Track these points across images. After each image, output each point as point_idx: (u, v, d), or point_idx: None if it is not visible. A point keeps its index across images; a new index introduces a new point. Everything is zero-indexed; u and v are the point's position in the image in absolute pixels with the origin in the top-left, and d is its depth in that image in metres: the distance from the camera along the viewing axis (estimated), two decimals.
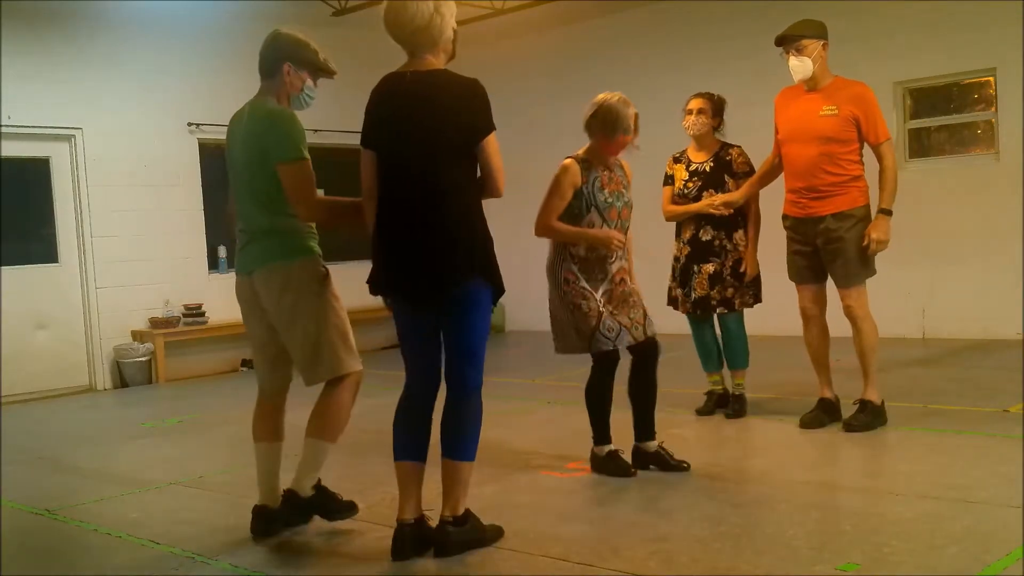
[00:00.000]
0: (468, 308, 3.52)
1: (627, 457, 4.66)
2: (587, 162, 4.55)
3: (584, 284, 4.50)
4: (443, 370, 3.63)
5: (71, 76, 8.94)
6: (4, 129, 8.51)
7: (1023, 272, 8.20)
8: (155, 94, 9.48)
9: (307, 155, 3.76)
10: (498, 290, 3.59)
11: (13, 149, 8.62)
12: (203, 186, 9.91)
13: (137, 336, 9.30)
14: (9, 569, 3.79)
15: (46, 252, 8.94)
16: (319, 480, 3.91)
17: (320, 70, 3.92)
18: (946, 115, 8.96)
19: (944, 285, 8.72)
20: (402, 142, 3.50)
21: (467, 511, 3.61)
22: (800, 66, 5.15)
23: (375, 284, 3.60)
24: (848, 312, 5.22)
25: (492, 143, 3.51)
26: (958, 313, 8.62)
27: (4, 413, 7.81)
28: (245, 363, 10.00)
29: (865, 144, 5.20)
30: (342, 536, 3.93)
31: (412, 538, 3.57)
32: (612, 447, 4.66)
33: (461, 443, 3.56)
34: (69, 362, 9.00)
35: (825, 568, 3.20)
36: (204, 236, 9.89)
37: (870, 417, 5.19)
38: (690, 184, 5.71)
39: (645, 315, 4.59)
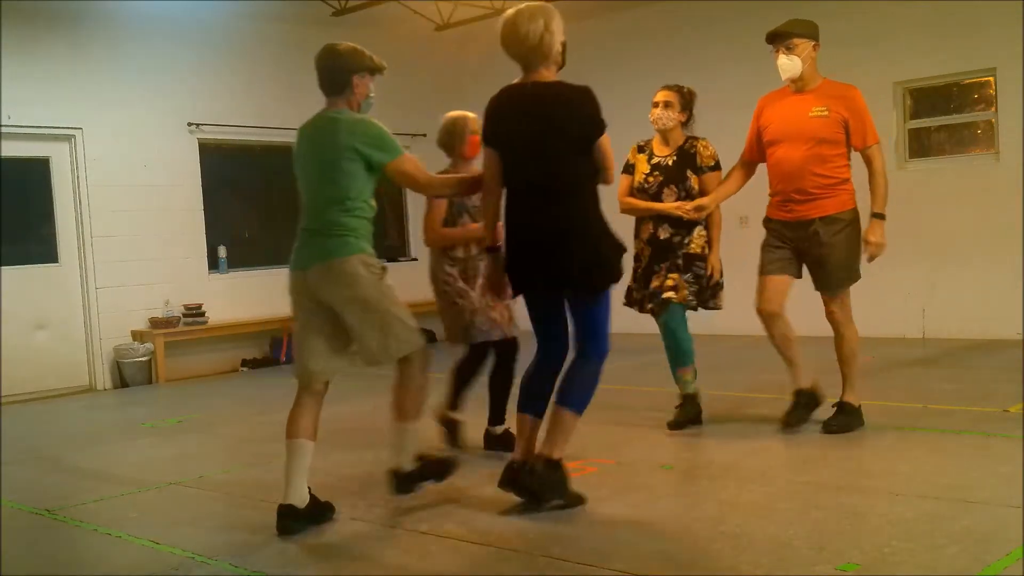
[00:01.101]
0: (590, 296, 4.03)
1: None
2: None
3: (461, 284, 5.06)
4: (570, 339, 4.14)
5: (71, 76, 8.95)
6: (4, 129, 8.51)
7: (1023, 272, 8.20)
8: (155, 94, 9.48)
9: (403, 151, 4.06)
10: (617, 273, 4.04)
11: (13, 149, 8.63)
12: (203, 186, 9.91)
13: (137, 336, 9.30)
14: (9, 569, 3.79)
15: (46, 252, 8.94)
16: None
17: (377, 70, 4.15)
18: (946, 115, 8.96)
19: (944, 285, 8.72)
20: (525, 145, 3.98)
21: (560, 461, 4.01)
22: (789, 64, 5.03)
23: (513, 287, 4.15)
24: (831, 318, 5.16)
25: (605, 140, 4.02)
26: (958, 313, 8.62)
27: (4, 413, 7.81)
28: (245, 363, 10.00)
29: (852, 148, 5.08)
30: (342, 536, 3.94)
31: (517, 473, 4.01)
32: (461, 417, 5.23)
33: (572, 395, 4.04)
34: (69, 362, 9.01)
35: (825, 568, 3.20)
36: (204, 236, 9.89)
37: (849, 418, 5.15)
38: (651, 179, 5.42)
39: (511, 313, 5.09)
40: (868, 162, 5.05)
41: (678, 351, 5.40)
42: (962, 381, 6.63)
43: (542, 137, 3.95)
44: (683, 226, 5.36)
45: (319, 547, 3.82)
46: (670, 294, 5.30)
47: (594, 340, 4.07)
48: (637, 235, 5.52)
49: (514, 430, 4.59)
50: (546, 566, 3.42)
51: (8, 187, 8.63)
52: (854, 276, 5.14)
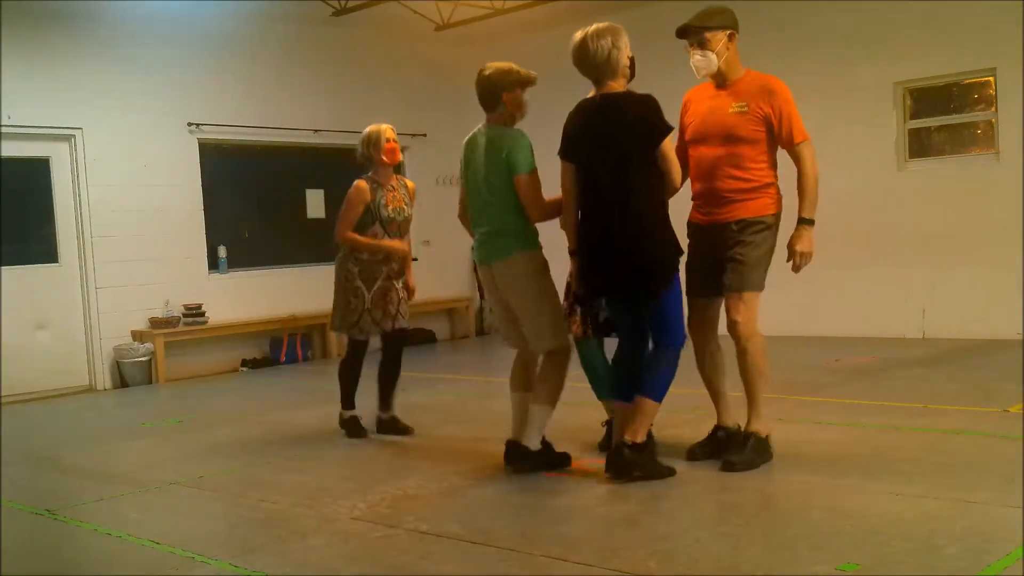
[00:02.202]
0: (660, 298, 4.36)
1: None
2: (376, 183, 5.74)
3: (359, 283, 5.68)
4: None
5: (71, 76, 8.94)
6: (4, 129, 8.51)
7: (1023, 272, 8.20)
8: (155, 94, 9.47)
9: (535, 168, 4.54)
10: (671, 275, 4.35)
11: (13, 149, 8.62)
12: (203, 186, 9.90)
13: (137, 336, 9.30)
14: (9, 569, 3.79)
15: (46, 252, 8.94)
16: (544, 437, 4.68)
17: (528, 83, 4.65)
18: (946, 115, 8.96)
19: (944, 285, 8.72)
20: (598, 154, 4.34)
21: (645, 443, 4.39)
22: (703, 62, 4.58)
23: (587, 291, 4.52)
24: (733, 329, 4.53)
25: (668, 144, 4.31)
26: (958, 313, 8.62)
27: (4, 413, 7.81)
28: (245, 363, 10.00)
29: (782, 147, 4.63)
30: (342, 536, 3.94)
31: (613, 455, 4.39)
32: (355, 412, 5.91)
33: (650, 383, 4.35)
34: (69, 362, 9.01)
35: (825, 568, 3.20)
36: (204, 236, 9.88)
37: (754, 454, 4.55)
38: None
39: (398, 311, 5.77)
40: (796, 161, 4.55)
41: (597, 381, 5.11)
42: (962, 381, 6.63)
43: (611, 146, 4.30)
44: None
45: (319, 547, 3.82)
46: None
47: (666, 332, 4.39)
48: None
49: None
50: (546, 566, 3.42)
51: (8, 187, 8.63)
52: (760, 282, 4.59)
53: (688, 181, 4.75)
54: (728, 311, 4.56)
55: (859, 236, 9.05)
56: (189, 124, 9.74)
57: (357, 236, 5.68)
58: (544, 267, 4.63)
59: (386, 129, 5.76)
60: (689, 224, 4.79)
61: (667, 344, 4.40)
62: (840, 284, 9.10)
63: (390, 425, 5.92)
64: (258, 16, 9.97)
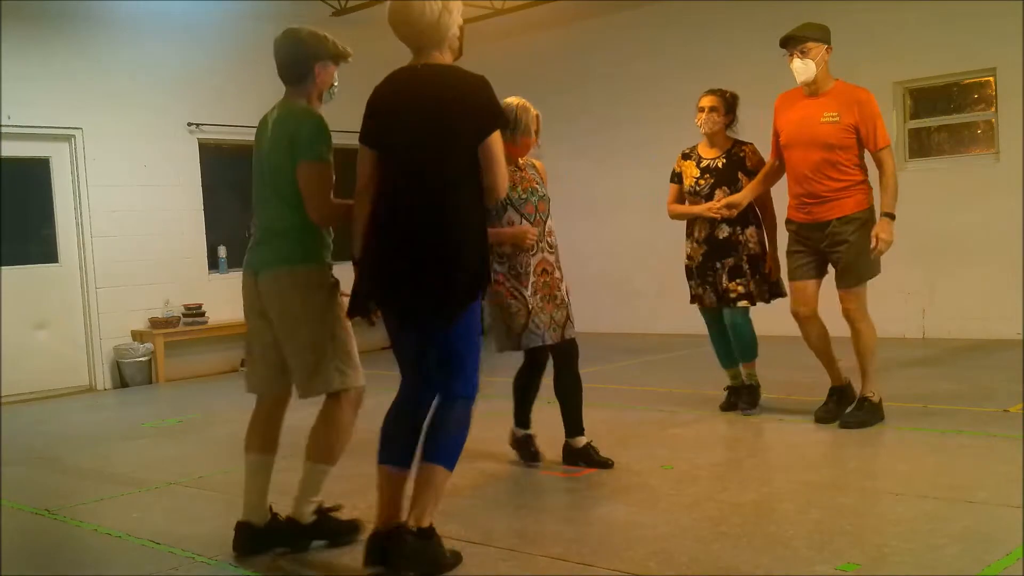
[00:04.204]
0: (457, 325, 3.37)
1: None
2: None
3: (512, 284, 4.59)
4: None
5: (71, 76, 8.94)
6: (4, 129, 8.51)
7: (1023, 272, 8.20)
8: (155, 94, 9.47)
9: (329, 159, 3.63)
10: (469, 298, 3.38)
11: (13, 149, 8.62)
12: (203, 186, 9.90)
13: (137, 336, 9.30)
14: (9, 569, 3.79)
15: (46, 252, 8.93)
16: (320, 504, 3.75)
17: (341, 57, 3.87)
18: (946, 115, 8.96)
19: (944, 285, 8.72)
20: (407, 138, 3.37)
21: (432, 528, 3.38)
22: (804, 68, 5.16)
23: (360, 296, 3.44)
24: (847, 314, 5.23)
25: (495, 142, 3.34)
26: (958, 313, 8.62)
27: (4, 413, 7.81)
28: (245, 363, 9.98)
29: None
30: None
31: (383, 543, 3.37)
32: (530, 432, 4.89)
33: (443, 445, 3.42)
34: (69, 362, 9.01)
35: (825, 568, 3.20)
36: (204, 236, 9.89)
37: (867, 414, 5.23)
38: (702, 181, 5.70)
39: (568, 318, 4.71)
40: (879, 165, 5.16)
41: (745, 348, 5.70)
42: (962, 381, 6.62)
43: (425, 132, 3.35)
44: (739, 223, 5.59)
45: (319, 547, 3.81)
46: (744, 302, 5.58)
47: (459, 376, 3.42)
48: (690, 235, 5.78)
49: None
50: (546, 566, 3.42)
51: (8, 187, 8.63)
52: (871, 271, 5.24)
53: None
54: (841, 301, 5.23)
55: None
56: (189, 124, 9.73)
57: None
58: (328, 287, 3.65)
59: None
60: (790, 222, 5.39)
61: (458, 394, 3.41)
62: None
63: (584, 455, 4.80)
64: (258, 16, 9.96)
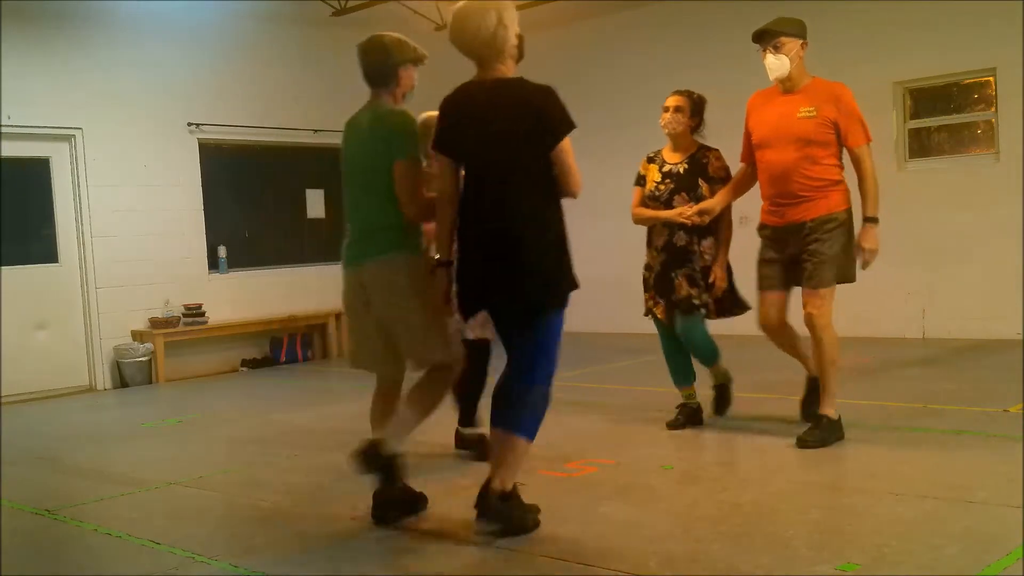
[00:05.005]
0: (538, 317, 3.70)
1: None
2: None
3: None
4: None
5: (71, 76, 8.94)
6: (4, 129, 8.51)
7: (1023, 272, 8.20)
8: (155, 94, 9.48)
9: (420, 158, 3.94)
10: (561, 299, 3.72)
11: (13, 149, 8.62)
12: (203, 186, 9.90)
13: (137, 336, 9.30)
14: (9, 569, 3.79)
15: (46, 252, 8.94)
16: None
17: (420, 60, 4.09)
18: (946, 115, 8.96)
19: (944, 285, 8.72)
20: (480, 149, 3.66)
21: (513, 490, 3.75)
22: (778, 64, 4.89)
23: (463, 308, 3.83)
24: (808, 320, 4.89)
25: (566, 146, 3.64)
26: (958, 313, 8.62)
27: (4, 413, 7.81)
28: (245, 363, 10.00)
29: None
30: (342, 536, 3.94)
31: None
32: (478, 430, 5.03)
33: (525, 418, 3.73)
34: (69, 362, 9.01)
35: (825, 568, 3.20)
36: (204, 236, 9.89)
37: (826, 432, 4.90)
38: (662, 186, 5.37)
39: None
40: (856, 163, 4.88)
41: (703, 353, 5.47)
42: (962, 381, 6.63)
43: (497, 142, 3.63)
44: (697, 231, 5.28)
45: (319, 547, 3.82)
46: (699, 310, 5.31)
47: (542, 363, 3.73)
48: (650, 243, 5.46)
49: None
50: (546, 566, 3.42)
51: (8, 187, 8.63)
52: (843, 275, 4.95)
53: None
54: (804, 304, 4.89)
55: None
56: (189, 124, 9.74)
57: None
58: (427, 272, 3.94)
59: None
60: (763, 227, 5.10)
61: (539, 380, 3.73)
62: (840, 284, 9.08)
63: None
64: (258, 16, 9.97)
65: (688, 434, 5.41)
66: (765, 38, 4.93)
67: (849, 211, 4.94)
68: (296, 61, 10.46)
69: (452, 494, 4.42)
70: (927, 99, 9.03)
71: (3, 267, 8.57)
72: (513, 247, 3.60)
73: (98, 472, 5.47)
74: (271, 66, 10.28)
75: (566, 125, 3.65)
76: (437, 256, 3.85)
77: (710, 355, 5.49)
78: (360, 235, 4.01)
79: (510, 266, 3.61)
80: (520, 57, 3.84)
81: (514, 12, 3.73)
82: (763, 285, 5.09)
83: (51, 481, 5.38)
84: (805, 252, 4.89)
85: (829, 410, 4.99)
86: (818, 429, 4.92)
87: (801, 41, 4.92)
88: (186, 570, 3.63)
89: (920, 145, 9.07)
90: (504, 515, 3.69)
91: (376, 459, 3.87)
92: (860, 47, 8.98)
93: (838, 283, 4.93)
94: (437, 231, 3.82)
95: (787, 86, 4.96)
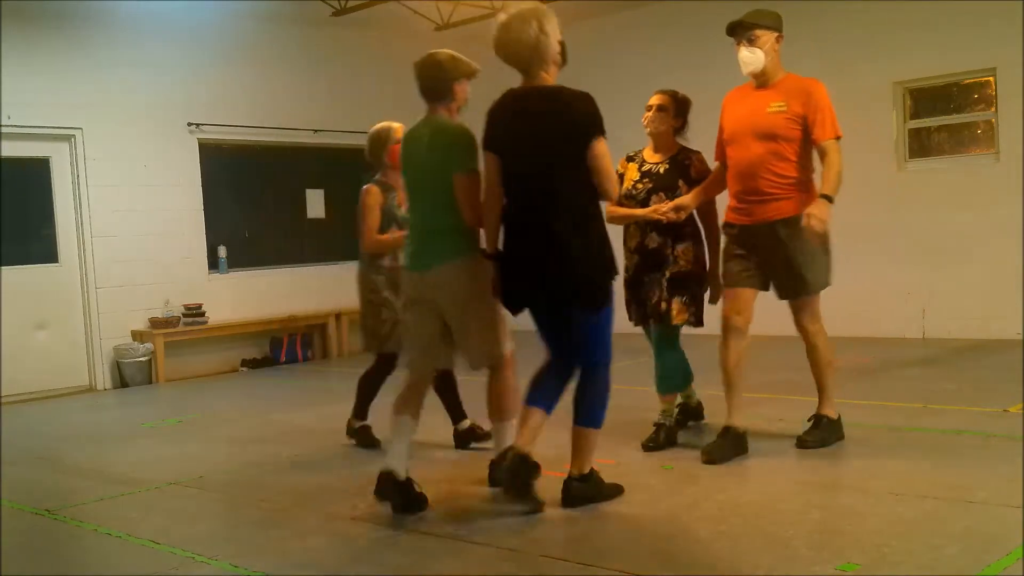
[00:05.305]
0: (585, 313, 3.97)
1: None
2: (385, 185, 5.42)
3: (386, 294, 5.31)
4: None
5: (71, 76, 8.94)
6: (4, 129, 8.51)
7: (1023, 272, 8.20)
8: (155, 94, 9.47)
9: (478, 169, 4.15)
10: (603, 296, 3.96)
11: (13, 149, 8.62)
12: (203, 186, 9.90)
13: (137, 336, 9.30)
14: (9, 569, 3.79)
15: (46, 252, 8.93)
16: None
17: (473, 75, 4.32)
18: (946, 115, 8.96)
19: (944, 285, 8.71)
20: (523, 153, 3.93)
21: (591, 473, 4.10)
22: (751, 58, 4.69)
23: (507, 302, 4.12)
24: (801, 328, 4.85)
25: (600, 148, 3.87)
26: (958, 313, 8.62)
27: (4, 413, 7.81)
28: (245, 363, 10.00)
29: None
30: (342, 536, 3.94)
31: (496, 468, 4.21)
32: (367, 423, 5.58)
33: (589, 410, 4.05)
34: (69, 362, 9.01)
35: (825, 568, 3.20)
36: (204, 236, 9.88)
37: (826, 432, 4.90)
38: (639, 185, 5.14)
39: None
40: (823, 155, 4.64)
41: (665, 378, 5.23)
42: (962, 381, 6.63)
43: (539, 144, 3.90)
44: (672, 234, 5.05)
45: (319, 547, 3.82)
46: (670, 321, 5.06)
47: (597, 350, 4.04)
48: (625, 243, 5.24)
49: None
50: (546, 566, 3.42)
51: (8, 187, 8.63)
52: (822, 281, 4.79)
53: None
54: (794, 312, 4.87)
55: (859, 236, 9.05)
56: (189, 124, 9.73)
57: (385, 236, 5.36)
58: (486, 273, 4.16)
59: (396, 128, 5.32)
60: (729, 225, 4.90)
61: (596, 363, 4.05)
62: (840, 284, 9.03)
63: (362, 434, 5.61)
64: (258, 16, 9.97)
65: (688, 433, 5.40)
66: (739, 31, 4.73)
67: None
68: (296, 61, 10.45)
69: (450, 495, 4.42)
70: (927, 99, 9.03)
71: (3, 267, 8.57)
72: (555, 245, 3.85)
73: (98, 472, 5.47)
74: (271, 66, 10.27)
75: (595, 129, 3.87)
76: (486, 249, 4.13)
77: (674, 381, 5.25)
78: (424, 240, 4.27)
79: (554, 264, 3.88)
80: (564, 63, 4.07)
81: (555, 21, 3.95)
82: (730, 281, 4.85)
83: (51, 481, 5.38)
84: (781, 261, 4.70)
85: (829, 410, 4.99)
86: (818, 429, 4.93)
87: (776, 34, 4.73)
88: (186, 570, 3.63)
89: (920, 145, 9.07)
90: (584, 494, 4.05)
91: (390, 486, 4.14)
92: (860, 47, 8.98)
93: (815, 292, 4.79)
94: (485, 226, 4.11)
95: (760, 81, 4.78)
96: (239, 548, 3.86)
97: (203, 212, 9.88)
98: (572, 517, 4.00)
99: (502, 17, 3.95)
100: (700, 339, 5.50)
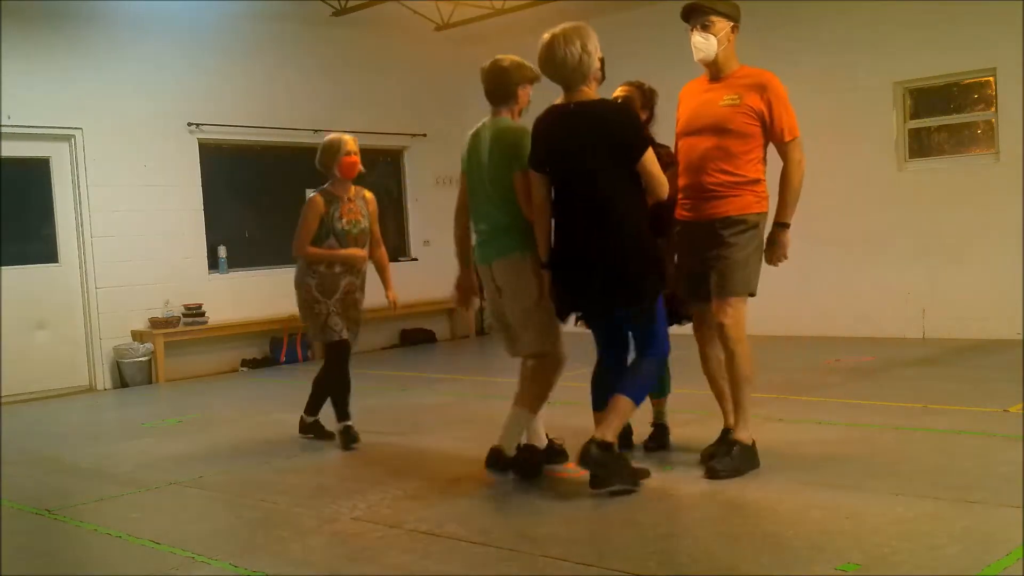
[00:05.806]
0: (644, 313, 4.23)
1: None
2: (331, 195, 5.62)
3: (316, 294, 5.57)
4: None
5: (71, 76, 8.94)
6: (4, 129, 8.51)
7: (1023, 272, 8.20)
8: (155, 94, 9.48)
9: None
10: (653, 293, 4.21)
11: (13, 149, 8.62)
12: (203, 186, 9.90)
13: (137, 336, 9.30)
14: (9, 569, 3.79)
15: (46, 252, 8.94)
16: (521, 443, 4.57)
17: (536, 79, 4.49)
18: (946, 115, 8.96)
19: (944, 285, 8.72)
20: (570, 165, 4.14)
21: (613, 444, 4.18)
22: (704, 44, 4.43)
23: (560, 308, 4.37)
24: (721, 331, 4.44)
25: (649, 156, 4.12)
26: (958, 313, 8.62)
27: (4, 413, 7.81)
28: (245, 363, 10.00)
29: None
30: (342, 536, 3.94)
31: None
32: (317, 418, 5.85)
33: (631, 383, 4.23)
34: (69, 362, 9.01)
35: (825, 568, 3.20)
36: (204, 236, 9.89)
37: (739, 461, 4.42)
38: None
39: (358, 325, 5.71)
40: (783, 158, 4.45)
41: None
42: (962, 381, 6.63)
43: (584, 159, 4.12)
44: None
45: (319, 547, 3.82)
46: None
47: (652, 344, 4.28)
48: None
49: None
50: (546, 566, 3.42)
51: (8, 187, 8.63)
52: (750, 286, 4.48)
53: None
54: (715, 314, 4.45)
55: (859, 236, 9.06)
56: (189, 124, 9.74)
57: (314, 249, 5.56)
58: (539, 267, 4.37)
59: (348, 140, 5.61)
60: (675, 221, 4.66)
61: (652, 355, 4.30)
62: (840, 284, 9.11)
63: (314, 429, 5.90)
64: (258, 16, 9.97)
65: (688, 434, 5.40)
66: (694, 15, 4.48)
67: (762, 215, 4.48)
68: (296, 61, 10.46)
69: (450, 495, 4.42)
70: (927, 99, 9.03)
71: (3, 267, 8.57)
72: (602, 252, 4.12)
73: (98, 472, 5.47)
74: (271, 66, 10.27)
75: (642, 141, 4.14)
76: (540, 262, 4.35)
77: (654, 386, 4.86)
78: (488, 236, 4.52)
79: (607, 269, 4.13)
80: (602, 79, 4.33)
81: (596, 39, 4.19)
82: (691, 296, 4.64)
83: (51, 481, 5.38)
84: (712, 257, 4.44)
85: (743, 435, 4.50)
86: (730, 458, 4.43)
87: (732, 24, 4.50)
88: (186, 570, 3.63)
89: (920, 145, 9.07)
90: (601, 462, 4.10)
91: (500, 462, 4.47)
92: (860, 47, 8.98)
93: (742, 294, 4.46)
94: (538, 241, 4.32)
95: (713, 71, 4.55)
96: (239, 548, 3.86)
97: (203, 212, 9.89)
98: (572, 517, 4.00)
99: (546, 36, 4.17)
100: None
